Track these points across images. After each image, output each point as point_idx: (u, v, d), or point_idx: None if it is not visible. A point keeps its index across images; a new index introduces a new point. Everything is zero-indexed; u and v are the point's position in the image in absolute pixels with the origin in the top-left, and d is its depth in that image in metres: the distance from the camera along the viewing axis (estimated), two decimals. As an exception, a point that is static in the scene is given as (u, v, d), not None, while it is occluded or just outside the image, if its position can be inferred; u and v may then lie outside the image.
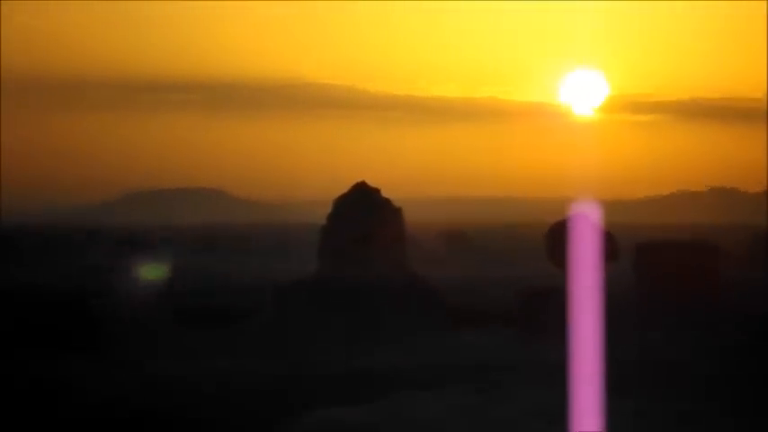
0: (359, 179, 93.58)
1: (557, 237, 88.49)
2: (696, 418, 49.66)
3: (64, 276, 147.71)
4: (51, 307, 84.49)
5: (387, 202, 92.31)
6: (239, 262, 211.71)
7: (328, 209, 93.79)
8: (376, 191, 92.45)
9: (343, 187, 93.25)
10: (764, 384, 58.82)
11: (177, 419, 53.60)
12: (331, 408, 55.27)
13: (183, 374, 70.90)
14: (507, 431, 48.97)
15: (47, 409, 57.11)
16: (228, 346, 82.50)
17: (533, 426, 49.49)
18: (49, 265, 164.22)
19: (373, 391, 61.19)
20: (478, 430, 49.34)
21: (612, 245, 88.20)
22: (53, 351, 74.17)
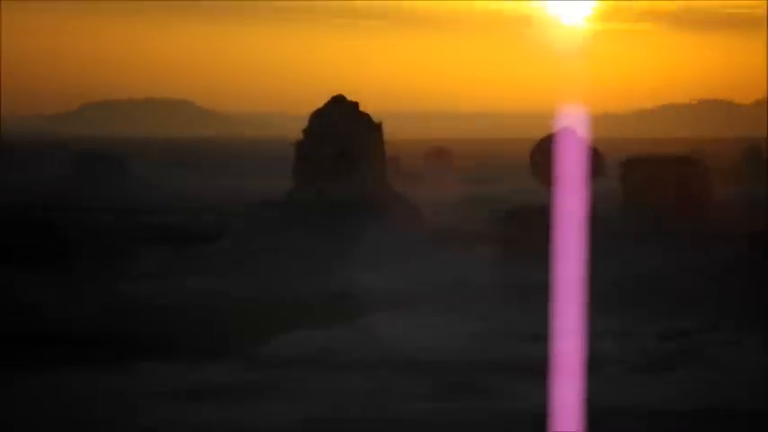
0: (336, 92, 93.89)
1: (542, 152, 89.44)
2: (681, 335, 51.20)
3: (21, 191, 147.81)
4: (9, 223, 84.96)
5: (366, 116, 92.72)
6: (209, 178, 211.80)
7: (304, 123, 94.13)
8: (354, 105, 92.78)
9: (320, 101, 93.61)
10: (749, 300, 60.45)
11: (145, 339, 54.76)
12: (305, 329, 56.48)
13: (150, 294, 71.89)
14: (480, 351, 50.41)
15: (7, 329, 58.09)
16: (199, 265, 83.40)
17: (508, 345, 50.92)
18: (5, 179, 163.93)
19: (349, 312, 62.41)
20: (450, 349, 50.76)
21: (599, 160, 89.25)
22: (12, 268, 74.93)
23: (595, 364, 45.97)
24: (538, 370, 45.02)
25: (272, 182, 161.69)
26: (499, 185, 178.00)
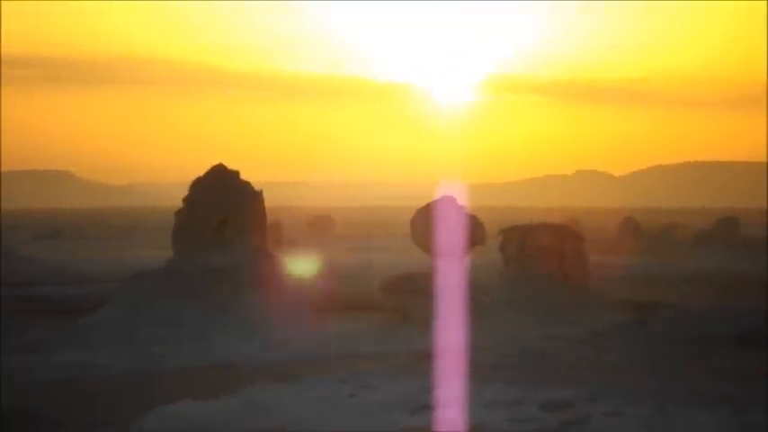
0: (216, 161, 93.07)
1: (423, 221, 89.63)
2: (562, 405, 51.07)
3: None
4: None
5: (246, 184, 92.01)
6: (88, 248, 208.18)
7: (184, 192, 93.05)
8: (235, 173, 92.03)
9: (200, 170, 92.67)
10: (626, 370, 60.83)
11: (16, 415, 52.64)
12: (185, 401, 55.03)
13: (23, 368, 69.60)
14: (367, 421, 49.59)
15: None
16: (76, 338, 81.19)
17: (394, 415, 50.24)
18: None
19: (233, 383, 61.13)
20: (338, 420, 49.85)
21: (478, 229, 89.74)
22: None
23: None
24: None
25: (151, 252, 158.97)
26: (382, 253, 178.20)
